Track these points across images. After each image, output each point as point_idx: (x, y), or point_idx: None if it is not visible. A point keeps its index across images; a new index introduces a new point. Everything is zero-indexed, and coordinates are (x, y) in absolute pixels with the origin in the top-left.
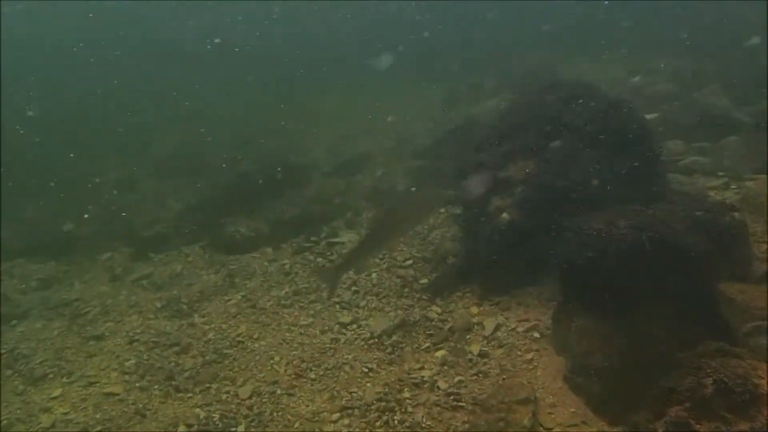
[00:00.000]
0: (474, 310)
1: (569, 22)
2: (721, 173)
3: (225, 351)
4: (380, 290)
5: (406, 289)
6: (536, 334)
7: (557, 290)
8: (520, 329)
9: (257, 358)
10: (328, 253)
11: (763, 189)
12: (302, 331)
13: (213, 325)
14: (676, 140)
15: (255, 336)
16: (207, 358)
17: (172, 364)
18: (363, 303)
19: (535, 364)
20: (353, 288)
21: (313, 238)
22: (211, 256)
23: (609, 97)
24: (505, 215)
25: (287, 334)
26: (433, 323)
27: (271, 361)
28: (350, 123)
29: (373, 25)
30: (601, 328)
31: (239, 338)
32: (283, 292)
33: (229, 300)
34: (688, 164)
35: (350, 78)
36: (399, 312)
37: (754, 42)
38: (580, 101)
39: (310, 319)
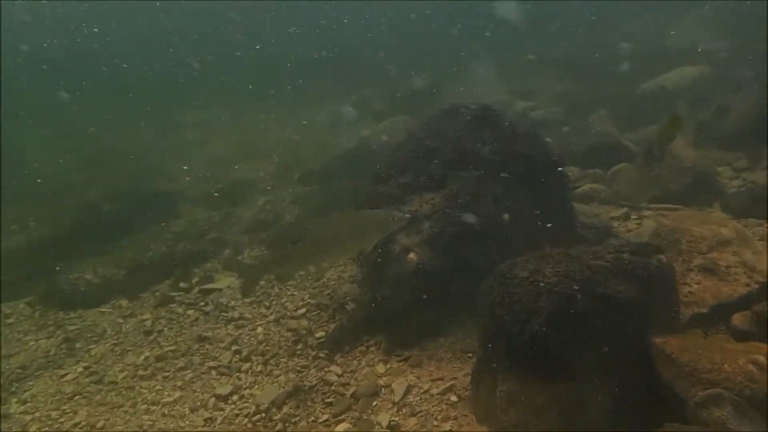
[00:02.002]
0: (380, 368)
1: (443, 40)
2: (621, 202)
3: None
4: (267, 348)
5: (300, 346)
6: (453, 398)
7: (474, 342)
8: (434, 391)
9: None
10: (202, 303)
11: (678, 224)
12: (166, 411)
13: (38, 414)
14: (570, 167)
15: (99, 424)
16: None
17: None
18: (246, 366)
19: None
20: (233, 347)
21: (182, 285)
22: (43, 314)
23: (513, 122)
24: (412, 255)
25: (145, 417)
26: (333, 388)
27: None
28: (225, 144)
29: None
30: (530, 393)
31: (77, 430)
32: (142, 358)
33: (65, 374)
34: (585, 192)
35: (225, 95)
36: (291, 376)
37: (624, 68)
38: (484, 127)
39: (178, 393)
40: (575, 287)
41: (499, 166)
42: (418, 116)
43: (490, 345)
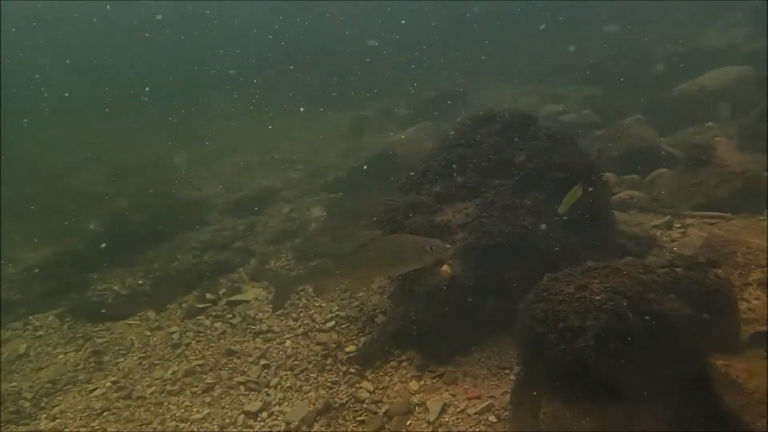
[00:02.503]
0: (413, 385)
1: (469, 45)
2: (663, 210)
3: None
4: (296, 363)
5: (329, 360)
6: (492, 418)
7: (511, 357)
8: (471, 411)
9: None
10: (229, 316)
11: (732, 234)
12: (195, 429)
13: (67, 431)
14: (606, 173)
15: None
16: None
17: None
18: (275, 381)
19: None
20: (262, 361)
21: (209, 296)
22: (72, 326)
23: (550, 129)
24: (446, 268)
25: None
26: (365, 405)
27: None
28: (249, 152)
29: (271, 49)
30: (577, 417)
31: None
32: (170, 372)
33: (94, 389)
34: (623, 199)
35: (248, 102)
36: (321, 392)
37: (659, 69)
38: (520, 134)
39: (206, 410)
40: (626, 304)
41: (536, 174)
42: (444, 122)
43: (532, 365)
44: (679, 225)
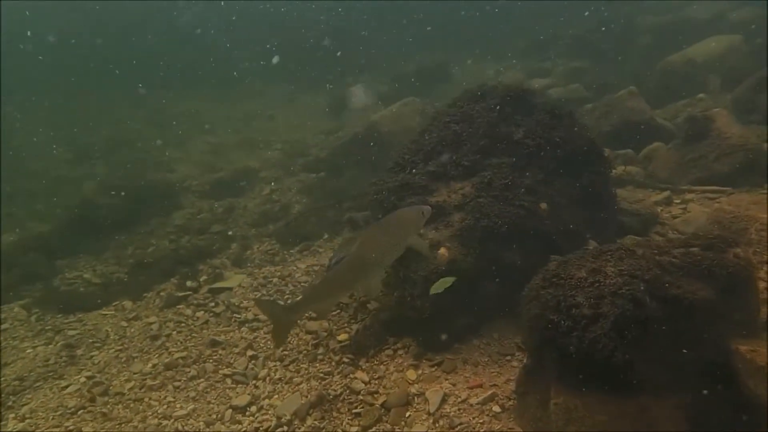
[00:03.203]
0: (411, 374)
1: (448, 21)
2: (661, 185)
3: None
4: (286, 353)
5: (321, 350)
6: (496, 408)
7: (512, 343)
8: (473, 400)
9: None
10: (212, 304)
11: (742, 210)
12: (180, 426)
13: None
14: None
15: None
16: None
17: None
18: (264, 373)
19: None
20: (249, 352)
21: (189, 284)
22: (40, 318)
23: (548, 104)
24: (443, 251)
25: None
26: (360, 397)
27: None
28: (224, 131)
29: (249, 26)
30: (592, 408)
31: None
32: (150, 365)
33: (68, 386)
34: (619, 174)
35: (223, 79)
36: (313, 383)
37: (646, 41)
38: (517, 109)
39: (191, 406)
40: (643, 288)
41: (535, 151)
42: (428, 98)
43: (541, 353)
44: (678, 201)
